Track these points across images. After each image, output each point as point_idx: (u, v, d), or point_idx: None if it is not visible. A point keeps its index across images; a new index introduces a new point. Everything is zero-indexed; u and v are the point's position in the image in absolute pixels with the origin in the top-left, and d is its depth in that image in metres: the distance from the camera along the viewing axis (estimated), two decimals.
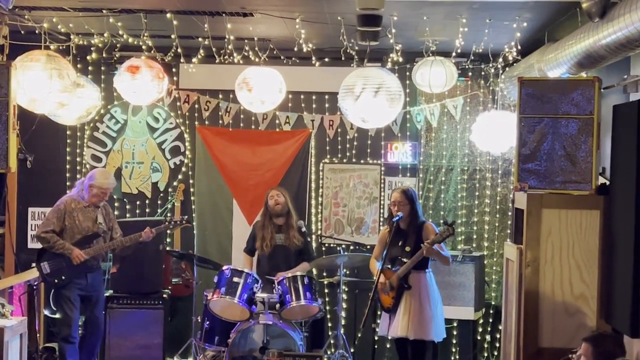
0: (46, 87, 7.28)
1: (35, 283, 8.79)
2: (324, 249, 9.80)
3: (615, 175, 6.14)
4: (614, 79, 6.99)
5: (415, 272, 7.46)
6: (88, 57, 9.22)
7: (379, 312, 8.05)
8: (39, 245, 8.12)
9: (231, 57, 8.79)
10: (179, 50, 8.58)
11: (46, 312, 9.25)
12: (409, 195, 7.62)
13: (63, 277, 7.88)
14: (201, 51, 8.73)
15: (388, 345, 9.40)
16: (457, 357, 9.37)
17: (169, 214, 9.74)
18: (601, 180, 6.53)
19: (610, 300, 6.11)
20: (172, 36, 8.12)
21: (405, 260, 7.45)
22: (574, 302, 6.32)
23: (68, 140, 9.91)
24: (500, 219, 9.60)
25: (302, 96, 9.81)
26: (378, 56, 9.02)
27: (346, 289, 9.37)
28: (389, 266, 7.57)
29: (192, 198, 9.88)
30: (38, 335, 8.98)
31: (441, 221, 7.35)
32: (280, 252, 8.65)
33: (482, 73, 9.52)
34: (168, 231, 8.84)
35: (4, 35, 7.62)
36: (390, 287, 7.51)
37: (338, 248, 8.76)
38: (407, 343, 7.52)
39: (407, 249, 7.50)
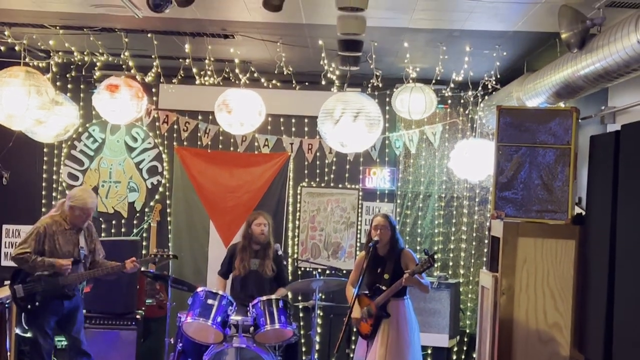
0: (24, 103, 7.23)
1: (7, 301, 8.69)
2: (299, 272, 9.78)
3: (591, 206, 6.17)
4: (592, 110, 7.04)
5: (394, 300, 7.42)
6: (67, 75, 9.22)
7: (353, 338, 8.02)
8: (14, 265, 7.92)
9: (211, 79, 8.79)
10: (159, 70, 8.56)
11: (17, 331, 9.15)
12: (391, 221, 7.60)
13: (37, 303, 7.56)
14: (181, 72, 8.72)
15: None
16: None
17: (145, 233, 9.69)
18: (577, 210, 6.55)
19: (583, 330, 6.12)
20: (153, 56, 8.12)
21: (383, 287, 7.41)
22: (548, 331, 6.31)
23: (45, 158, 9.86)
24: (477, 246, 9.61)
25: (281, 119, 9.82)
26: (358, 81, 9.06)
27: (321, 314, 9.34)
28: (366, 292, 7.53)
29: (168, 219, 9.85)
30: (9, 354, 8.87)
31: (423, 250, 7.31)
32: (253, 277, 8.59)
33: (462, 101, 9.58)
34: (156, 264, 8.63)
35: None
36: (369, 314, 7.47)
37: (314, 272, 8.74)
38: None
39: (386, 276, 7.46)
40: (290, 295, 9.38)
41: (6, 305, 8.56)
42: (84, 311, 8.69)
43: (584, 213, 6.44)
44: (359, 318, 7.49)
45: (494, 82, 8.29)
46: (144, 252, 9.45)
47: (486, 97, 8.99)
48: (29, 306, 7.61)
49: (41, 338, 7.63)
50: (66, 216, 7.67)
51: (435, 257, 7.22)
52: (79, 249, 7.69)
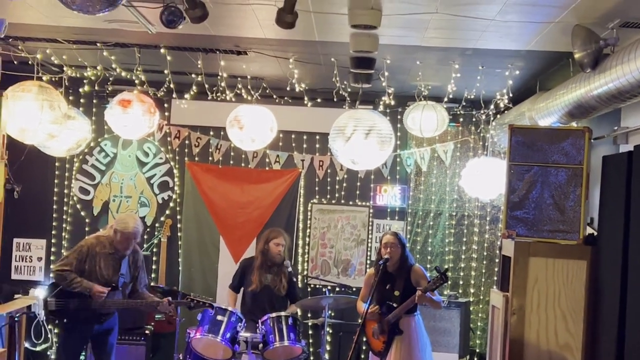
0: (37, 118, 7.24)
1: (17, 315, 8.69)
2: (309, 289, 9.75)
3: (603, 226, 6.14)
4: (605, 130, 7.02)
5: (406, 316, 7.38)
6: (80, 90, 9.23)
7: (362, 355, 7.98)
8: (27, 277, 7.87)
9: (223, 95, 8.80)
10: (172, 85, 8.58)
11: (27, 345, 9.17)
12: (401, 238, 7.57)
13: (65, 320, 7.45)
14: (194, 87, 8.72)
15: None
16: None
17: (155, 248, 9.70)
18: (589, 230, 6.52)
19: (595, 351, 6.08)
20: (165, 71, 8.14)
21: (394, 304, 7.38)
22: (559, 352, 6.27)
23: (57, 172, 9.88)
24: (487, 265, 9.58)
25: (293, 136, 9.82)
26: (370, 99, 9.07)
27: (330, 331, 9.31)
28: (377, 306, 7.50)
29: (179, 234, 9.84)
30: None
31: (435, 267, 7.27)
32: (266, 292, 8.57)
33: (473, 119, 9.57)
34: (190, 309, 8.47)
35: None
36: (381, 331, 7.44)
37: (324, 289, 8.71)
38: None
39: (396, 293, 7.43)
40: (299, 312, 9.35)
41: (16, 319, 8.57)
42: None
43: (595, 233, 6.41)
44: (375, 311, 7.42)
45: (506, 101, 8.28)
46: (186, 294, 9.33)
47: (498, 116, 8.98)
48: (57, 321, 7.59)
49: (64, 353, 7.56)
50: (112, 240, 7.52)
51: (448, 275, 7.18)
52: (119, 276, 7.51)
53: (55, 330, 8.86)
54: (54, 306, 7.47)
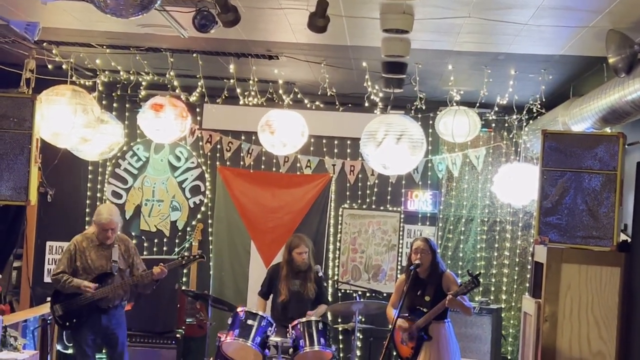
0: (70, 121, 7.29)
1: (49, 317, 8.76)
2: (340, 294, 9.74)
3: (637, 233, 6.08)
4: (639, 136, 6.94)
5: (435, 322, 7.35)
6: (113, 94, 9.29)
7: None
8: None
9: (255, 99, 8.82)
10: (204, 90, 8.61)
11: (59, 347, 9.23)
12: (432, 244, 7.54)
13: (74, 320, 7.59)
14: (225, 92, 8.75)
15: None
16: None
17: (185, 253, 9.73)
18: (623, 237, 6.46)
19: (628, 359, 6.01)
20: (198, 76, 8.17)
21: (424, 310, 7.34)
22: (592, 359, 6.21)
23: (89, 176, 9.95)
24: (519, 272, 9.51)
25: (324, 140, 9.82)
26: (401, 104, 9.03)
27: (361, 336, 9.28)
28: (407, 315, 7.48)
29: (210, 238, 9.87)
30: None
31: (467, 271, 7.23)
32: (295, 298, 8.58)
33: (506, 124, 9.51)
34: (183, 268, 8.63)
35: (31, 68, 7.67)
36: (410, 337, 7.41)
37: (354, 294, 8.70)
38: None
39: (427, 298, 7.40)
40: (330, 317, 9.35)
41: (48, 322, 8.64)
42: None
43: (629, 240, 6.34)
44: (402, 334, 7.40)
45: (539, 106, 8.22)
46: (183, 268, 9.45)
47: (531, 121, 8.92)
48: (68, 323, 7.66)
49: (79, 355, 7.67)
50: (96, 233, 7.72)
51: (479, 279, 7.14)
52: (112, 263, 7.68)
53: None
54: (60, 310, 7.61)
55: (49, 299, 9.05)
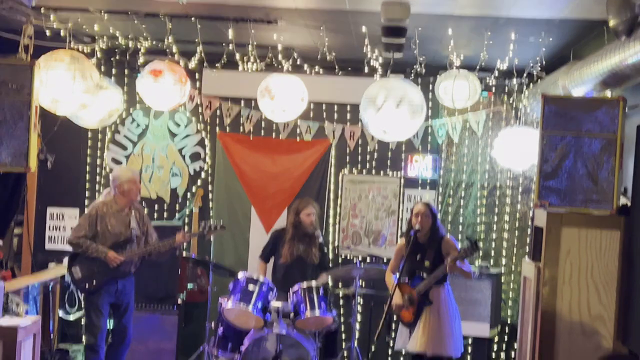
0: (69, 87, 7.27)
1: (51, 283, 8.80)
2: (340, 260, 9.77)
3: (637, 196, 6.07)
4: (639, 99, 6.93)
5: (435, 287, 7.39)
6: (112, 60, 9.24)
7: (393, 326, 8.00)
8: (60, 246, 8.07)
9: (254, 65, 8.78)
10: (203, 55, 8.57)
11: (61, 313, 9.27)
12: (432, 209, 7.56)
13: (94, 282, 7.73)
14: (224, 57, 8.71)
15: (402, 359, 9.35)
16: None
17: (186, 218, 9.75)
18: (623, 200, 6.46)
19: (627, 322, 6.04)
20: (196, 41, 8.13)
21: (424, 275, 7.38)
22: (591, 323, 6.24)
23: (89, 143, 9.94)
24: (519, 236, 9.53)
25: (323, 106, 9.79)
26: (401, 68, 8.99)
27: (361, 301, 9.32)
28: (407, 280, 7.51)
29: (210, 204, 9.88)
30: (52, 336, 8.99)
31: (466, 236, 7.27)
32: (298, 263, 8.62)
33: (506, 89, 9.48)
34: (203, 238, 8.67)
35: (29, 35, 7.62)
36: (410, 302, 7.44)
37: (354, 260, 8.73)
38: (424, 358, 7.45)
39: (427, 263, 7.43)
40: (330, 282, 9.38)
41: (50, 288, 8.68)
42: None
43: (629, 204, 6.34)
44: (400, 304, 7.46)
45: (539, 70, 8.19)
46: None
47: (531, 85, 8.89)
48: (87, 285, 7.77)
49: (95, 317, 7.78)
50: (116, 199, 7.89)
51: (479, 244, 7.17)
52: (131, 229, 7.87)
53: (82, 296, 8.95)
54: (79, 273, 7.76)
55: (51, 265, 9.12)
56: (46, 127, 9.08)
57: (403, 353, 8.73)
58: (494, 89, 9.47)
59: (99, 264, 7.71)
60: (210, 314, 8.82)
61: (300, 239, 8.63)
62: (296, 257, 8.60)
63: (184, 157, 9.96)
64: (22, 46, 7.49)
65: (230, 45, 8.27)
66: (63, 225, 9.76)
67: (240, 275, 8.22)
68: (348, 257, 9.67)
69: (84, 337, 8.06)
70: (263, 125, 9.84)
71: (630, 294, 6.00)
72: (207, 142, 9.93)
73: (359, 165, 9.81)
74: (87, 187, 9.89)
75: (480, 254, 9.45)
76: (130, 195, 7.90)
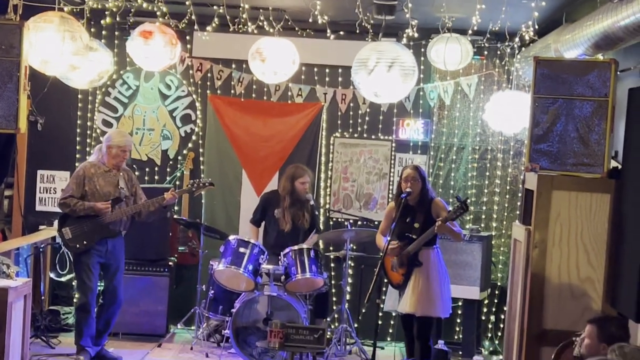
0: (58, 48, 7.20)
1: (42, 245, 8.81)
2: (331, 223, 9.78)
3: (627, 160, 6.09)
4: (631, 62, 6.91)
5: (424, 249, 7.42)
6: (102, 22, 9.16)
7: (383, 288, 8.03)
8: (51, 208, 8.06)
9: (245, 27, 8.72)
10: (193, 17, 8.51)
11: (52, 275, 9.29)
12: (421, 172, 7.57)
13: (85, 242, 7.72)
14: (215, 19, 8.64)
15: (392, 322, 9.41)
16: (461, 336, 9.33)
17: (177, 182, 9.75)
18: (613, 164, 6.47)
19: (616, 285, 6.08)
20: (187, 3, 8.06)
21: (414, 237, 7.41)
22: (580, 285, 6.28)
23: (79, 104, 9.88)
24: (510, 199, 9.55)
25: (315, 69, 9.75)
26: (393, 31, 8.94)
27: (352, 264, 9.35)
28: (396, 242, 7.52)
29: (201, 167, 9.86)
30: (43, 297, 9.01)
31: (455, 197, 7.28)
32: (290, 228, 8.64)
33: (498, 52, 9.45)
34: (192, 195, 8.68)
35: None
36: (400, 263, 7.48)
37: (345, 223, 8.76)
38: (413, 319, 7.49)
39: (416, 225, 7.46)
40: (321, 245, 9.41)
41: (41, 250, 8.69)
42: None
43: (620, 167, 6.36)
44: (392, 260, 7.47)
45: (531, 34, 8.14)
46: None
47: (523, 49, 8.86)
48: (78, 246, 7.76)
49: (86, 277, 7.79)
50: (104, 159, 7.89)
51: (468, 204, 7.18)
52: (119, 189, 7.87)
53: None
54: (70, 233, 7.75)
55: (41, 227, 9.12)
56: (36, 89, 9.04)
57: (393, 314, 8.76)
58: (486, 52, 9.45)
59: (89, 224, 7.71)
60: (201, 277, 8.86)
61: (292, 204, 8.64)
62: (290, 222, 8.62)
63: (174, 119, 9.92)
64: (11, 6, 7.42)
65: (221, 6, 8.21)
66: (54, 187, 9.73)
67: (232, 237, 8.25)
68: (339, 220, 9.68)
69: (75, 297, 8.07)
70: (254, 87, 9.79)
71: (619, 257, 6.03)
72: (198, 104, 9.89)
73: (350, 129, 9.80)
74: (77, 149, 9.85)
75: (471, 217, 9.48)
76: (116, 160, 7.89)
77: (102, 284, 8.15)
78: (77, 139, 9.88)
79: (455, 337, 9.45)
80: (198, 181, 8.30)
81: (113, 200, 7.79)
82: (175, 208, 9.64)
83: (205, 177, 9.68)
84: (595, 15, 6.29)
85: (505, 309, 7.72)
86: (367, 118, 9.74)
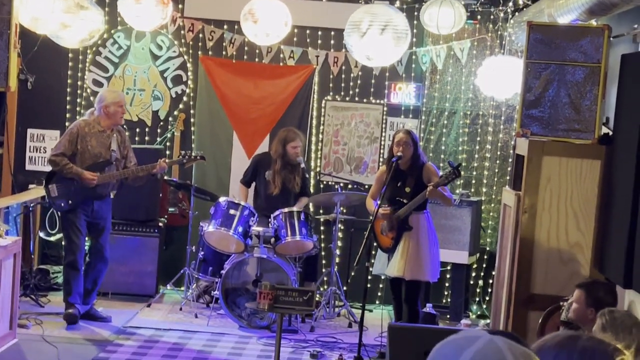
0: (49, 6, 7.17)
1: (32, 204, 8.79)
2: (322, 186, 9.78)
3: (618, 126, 6.10)
4: (624, 28, 6.90)
5: (415, 213, 7.42)
6: None
7: (373, 252, 8.07)
8: (41, 167, 8.03)
9: None
10: None
11: (41, 234, 9.29)
12: (414, 136, 7.55)
13: (70, 202, 7.69)
14: None
15: (381, 285, 9.45)
16: (449, 300, 9.39)
17: (168, 143, 9.72)
18: (604, 130, 6.48)
19: (604, 250, 6.12)
20: None
21: (404, 201, 7.41)
22: (569, 250, 6.32)
23: (70, 64, 9.81)
24: (500, 165, 9.56)
25: (307, 31, 9.69)
26: None
27: (342, 227, 9.37)
28: (387, 206, 7.53)
29: (192, 128, 9.83)
30: (32, 256, 9.01)
31: (447, 162, 7.27)
32: (281, 191, 8.65)
33: (491, 17, 9.41)
34: (183, 166, 8.69)
35: None
36: (390, 227, 7.48)
37: (336, 186, 8.77)
38: (402, 283, 7.52)
39: (407, 189, 7.45)
40: (311, 208, 9.42)
41: (30, 209, 8.68)
42: None
43: (610, 133, 6.37)
44: (382, 224, 7.49)
45: None
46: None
47: (517, 14, 8.83)
48: (62, 204, 7.74)
49: (74, 235, 7.77)
50: (99, 120, 7.80)
51: (461, 169, 7.18)
52: (111, 151, 7.80)
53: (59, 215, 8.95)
54: (56, 191, 7.71)
55: (31, 186, 9.10)
56: (26, 48, 8.97)
57: (382, 278, 8.80)
58: (479, 16, 9.41)
59: (75, 183, 7.67)
60: (191, 238, 8.87)
61: (283, 167, 8.63)
62: (279, 185, 8.62)
63: (165, 80, 9.87)
64: None
65: None
66: (43, 146, 9.70)
67: (222, 199, 8.25)
68: (329, 184, 9.69)
69: (64, 255, 8.08)
70: (246, 49, 9.74)
71: (608, 223, 6.07)
72: (189, 65, 9.84)
73: (342, 92, 9.77)
74: (67, 108, 9.80)
75: (461, 182, 9.49)
76: (115, 118, 7.81)
77: (89, 242, 8.14)
78: (68, 98, 9.82)
79: (444, 301, 9.51)
80: (190, 153, 8.32)
81: (102, 162, 7.73)
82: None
83: (196, 139, 9.71)
84: None
85: (493, 273, 7.77)
86: (359, 81, 9.71)
